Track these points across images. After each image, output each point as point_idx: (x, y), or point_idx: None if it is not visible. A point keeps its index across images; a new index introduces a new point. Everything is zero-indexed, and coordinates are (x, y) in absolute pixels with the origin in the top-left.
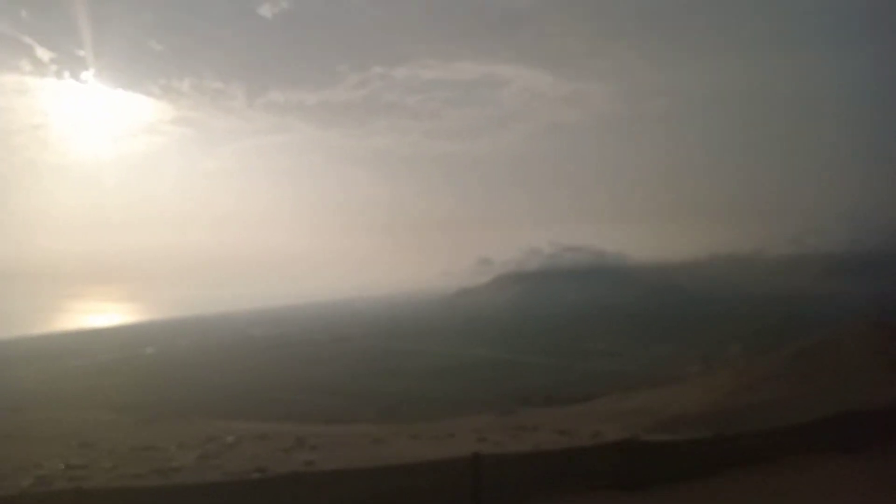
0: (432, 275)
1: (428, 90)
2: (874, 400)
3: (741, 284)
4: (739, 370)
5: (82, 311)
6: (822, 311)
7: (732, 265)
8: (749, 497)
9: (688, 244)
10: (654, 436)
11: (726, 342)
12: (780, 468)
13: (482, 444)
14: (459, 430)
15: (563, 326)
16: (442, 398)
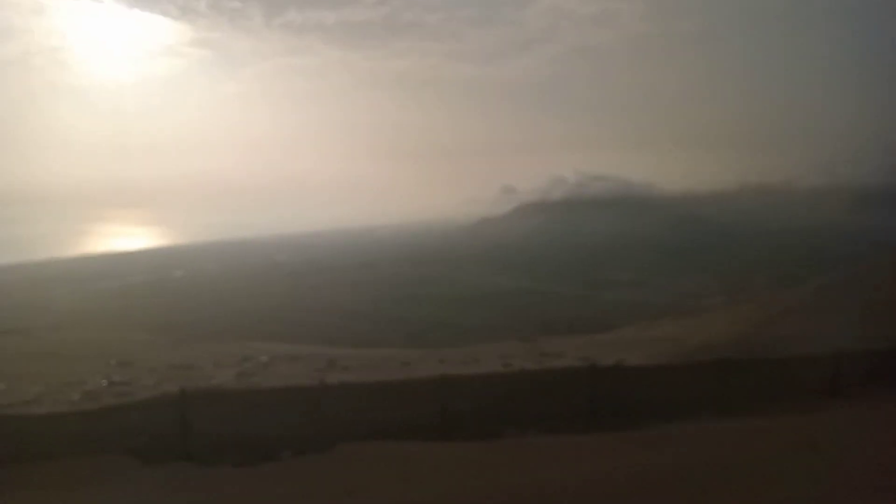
0: (455, 202)
1: (449, 8)
2: None
3: (770, 216)
4: (764, 303)
5: (107, 235)
6: (853, 244)
7: (762, 196)
8: None
9: (717, 174)
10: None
11: (752, 275)
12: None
13: (506, 370)
14: (484, 355)
15: (587, 256)
16: (466, 325)
